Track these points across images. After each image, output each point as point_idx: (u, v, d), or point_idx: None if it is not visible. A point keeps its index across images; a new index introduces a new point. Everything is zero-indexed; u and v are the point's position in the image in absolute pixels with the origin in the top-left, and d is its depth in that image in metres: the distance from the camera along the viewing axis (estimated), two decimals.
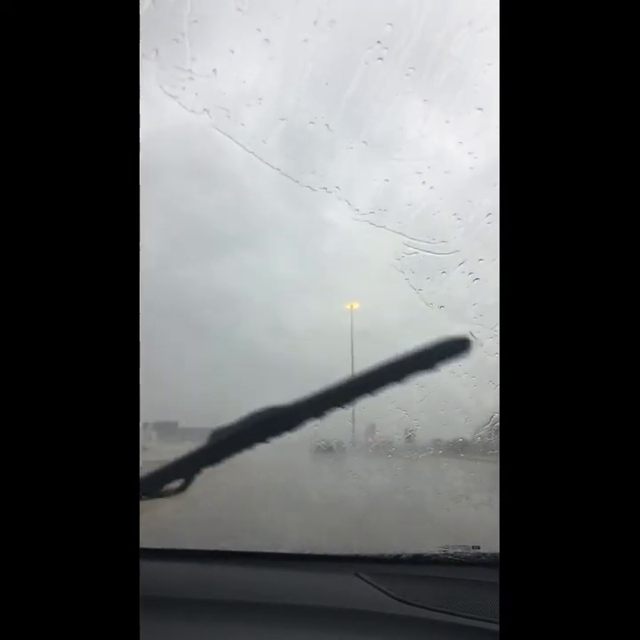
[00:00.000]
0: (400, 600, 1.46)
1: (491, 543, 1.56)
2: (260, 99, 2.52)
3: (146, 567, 1.24)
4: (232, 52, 2.38)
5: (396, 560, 1.69)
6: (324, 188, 2.63)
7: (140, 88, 0.88)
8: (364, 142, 2.70)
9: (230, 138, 2.45)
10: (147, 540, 1.80)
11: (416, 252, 2.70)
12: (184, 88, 2.35)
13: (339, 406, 0.95)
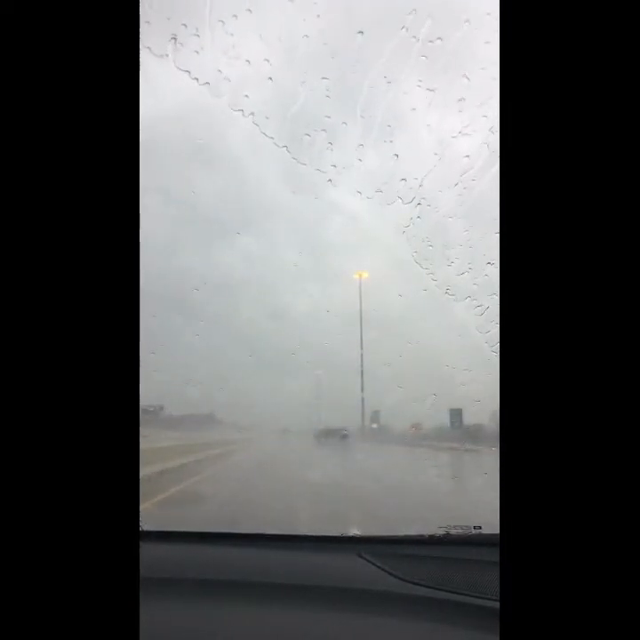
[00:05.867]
0: (403, 579, 1.54)
1: (493, 524, 1.60)
2: (264, 75, 2.55)
3: (149, 549, 1.29)
4: (232, 33, 2.40)
5: (399, 540, 1.77)
6: (320, 170, 2.65)
7: (142, 76, 0.90)
8: (366, 120, 2.71)
9: (234, 109, 2.47)
10: (156, 524, 1.87)
11: (425, 240, 2.73)
12: (190, 64, 2.35)
13: None
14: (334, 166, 2.77)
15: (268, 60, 2.58)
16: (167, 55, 2.31)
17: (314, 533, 1.88)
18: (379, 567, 1.61)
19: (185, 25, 2.24)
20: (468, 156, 2.53)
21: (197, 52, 2.30)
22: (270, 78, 2.55)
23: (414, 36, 2.18)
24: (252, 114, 2.58)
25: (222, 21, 2.37)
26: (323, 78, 2.54)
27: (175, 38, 2.31)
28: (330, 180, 2.84)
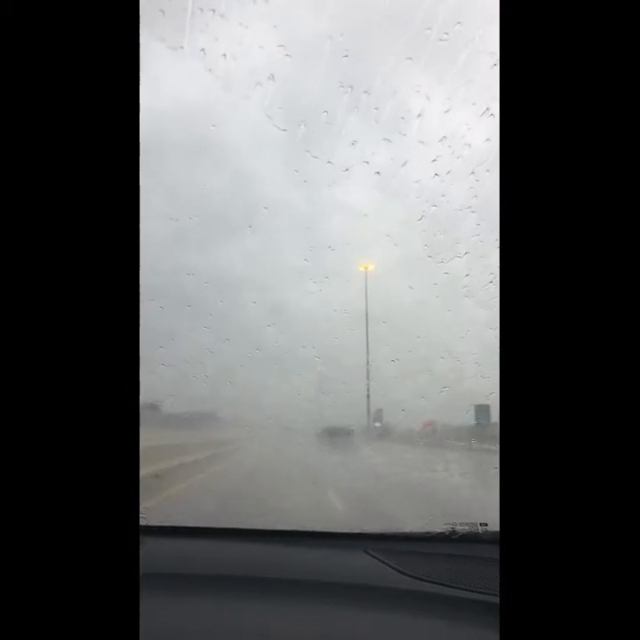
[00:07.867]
0: (409, 576, 1.56)
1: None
2: (269, 72, 2.56)
3: (154, 544, 1.29)
4: (247, 24, 2.40)
5: (405, 537, 1.79)
6: (332, 162, 2.65)
7: (142, 71, 0.90)
8: (379, 113, 2.72)
9: (245, 100, 2.47)
10: (165, 519, 1.88)
11: (437, 233, 2.73)
12: (203, 55, 2.36)
13: None
14: (347, 158, 2.77)
15: (283, 46, 2.58)
16: (182, 47, 2.32)
17: (320, 530, 1.89)
18: (385, 563, 1.63)
19: (201, 9, 2.24)
20: (488, 139, 2.52)
21: (211, 43, 2.31)
22: (288, 56, 2.53)
23: (429, 28, 2.18)
24: (264, 106, 2.59)
25: (235, 10, 2.38)
26: (336, 71, 2.54)
27: (188, 29, 2.31)
28: (347, 170, 2.84)
